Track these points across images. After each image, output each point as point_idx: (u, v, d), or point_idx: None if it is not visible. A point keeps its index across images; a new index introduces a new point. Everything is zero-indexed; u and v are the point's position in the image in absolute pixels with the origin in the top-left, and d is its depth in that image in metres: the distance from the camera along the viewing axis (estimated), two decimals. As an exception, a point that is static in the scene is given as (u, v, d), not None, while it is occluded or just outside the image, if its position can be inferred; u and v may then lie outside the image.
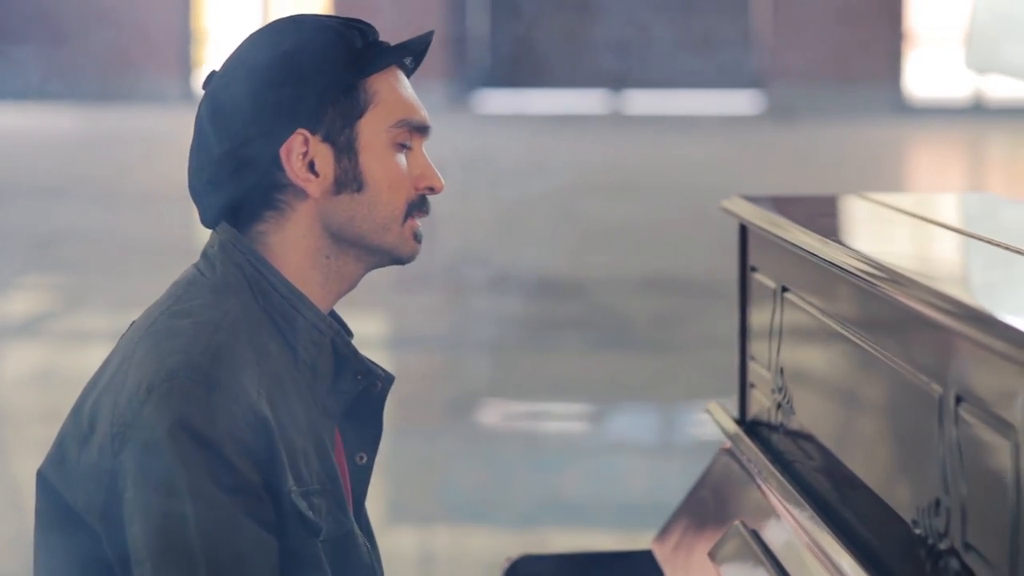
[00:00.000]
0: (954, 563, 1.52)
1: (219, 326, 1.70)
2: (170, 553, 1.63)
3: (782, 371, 2.07)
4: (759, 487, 2.01)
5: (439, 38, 17.00)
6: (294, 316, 1.76)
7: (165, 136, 14.74)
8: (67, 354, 6.83)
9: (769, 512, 1.94)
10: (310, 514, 1.70)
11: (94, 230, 10.24)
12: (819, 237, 1.90)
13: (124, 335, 1.77)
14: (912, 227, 2.12)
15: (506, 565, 2.28)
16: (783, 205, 2.23)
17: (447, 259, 9.03)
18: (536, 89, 18.38)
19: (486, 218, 10.52)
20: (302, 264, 1.78)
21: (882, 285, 1.68)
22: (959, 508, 1.51)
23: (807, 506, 1.85)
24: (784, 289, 2.07)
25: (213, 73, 1.81)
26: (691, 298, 8.14)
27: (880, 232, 2.14)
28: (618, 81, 18.32)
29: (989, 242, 1.91)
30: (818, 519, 1.81)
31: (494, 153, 13.94)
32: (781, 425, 2.07)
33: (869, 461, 1.76)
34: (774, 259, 2.12)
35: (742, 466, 2.10)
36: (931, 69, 17.96)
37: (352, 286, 1.82)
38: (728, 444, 2.19)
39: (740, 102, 18.08)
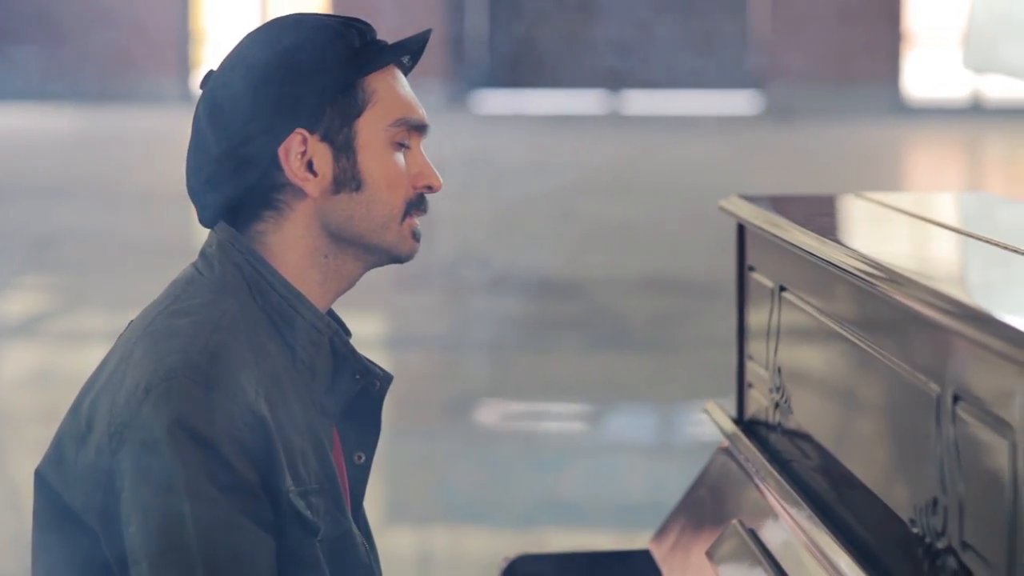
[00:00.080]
0: (952, 562, 1.52)
1: (217, 325, 1.70)
2: (168, 552, 1.63)
3: (780, 370, 2.07)
4: (757, 486, 2.01)
5: (438, 38, 17.01)
6: (292, 316, 1.76)
7: (164, 136, 14.73)
8: (65, 354, 6.83)
9: (767, 511, 1.94)
10: (308, 514, 1.70)
11: (93, 230, 10.24)
12: (817, 236, 1.90)
13: (122, 335, 1.77)
14: (910, 226, 2.12)
15: (503, 565, 2.28)
16: (781, 205, 2.23)
17: (446, 259, 9.03)
18: (535, 89, 18.38)
19: (485, 218, 10.52)
20: (301, 263, 1.78)
21: (880, 284, 1.68)
22: (957, 507, 1.51)
23: (805, 505, 1.85)
24: (782, 288, 2.07)
25: (211, 72, 1.81)
26: (690, 298, 8.14)
27: (878, 231, 2.14)
28: (617, 81, 18.32)
29: (987, 241, 1.91)
30: (816, 518, 1.81)
31: (493, 153, 13.94)
32: (779, 424, 2.07)
33: (867, 460, 1.76)
34: (772, 258, 2.12)
35: (740, 466, 2.10)
36: (930, 69, 17.96)
37: (351, 285, 1.82)
38: (726, 443, 2.19)
39: (739, 102, 18.09)
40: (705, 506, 2.16)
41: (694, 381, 6.30)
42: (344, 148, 1.77)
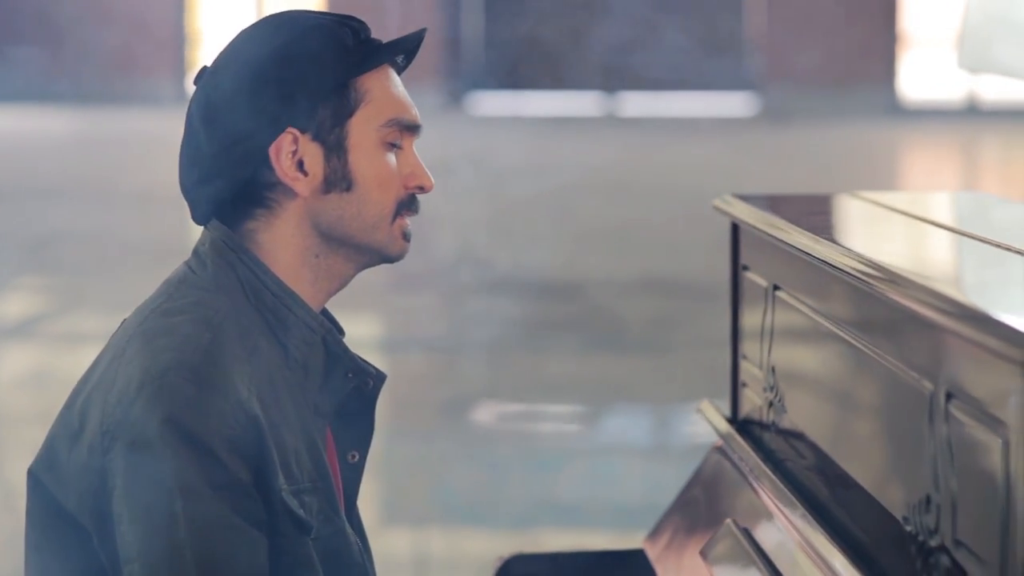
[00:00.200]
0: (944, 560, 1.52)
1: (210, 324, 1.70)
2: (160, 551, 1.63)
3: (774, 370, 2.07)
4: (751, 485, 2.01)
5: (435, 39, 17.01)
6: (285, 314, 1.76)
7: (160, 137, 14.70)
8: (63, 355, 6.83)
9: (760, 510, 1.94)
10: (301, 512, 1.70)
11: (90, 231, 10.23)
12: (810, 235, 1.90)
13: (115, 333, 1.77)
14: (904, 225, 2.12)
15: (498, 564, 2.28)
16: (775, 204, 2.23)
17: (443, 260, 9.03)
18: (532, 91, 18.38)
19: (482, 219, 10.52)
20: (292, 262, 1.78)
21: (873, 283, 1.68)
22: (949, 505, 1.51)
23: (798, 504, 1.85)
24: (776, 288, 2.07)
25: (205, 69, 1.81)
26: (687, 299, 8.14)
27: (871, 230, 2.15)
28: (614, 83, 18.32)
29: (981, 240, 1.91)
30: (809, 517, 1.81)
31: (490, 155, 13.94)
32: (773, 424, 2.07)
33: (860, 458, 1.76)
34: (766, 258, 2.12)
35: (734, 465, 2.10)
36: (926, 71, 17.97)
37: (343, 285, 1.82)
38: (720, 443, 2.19)
39: (736, 104, 18.09)
40: (699, 505, 2.16)
41: (691, 382, 6.30)
42: (335, 148, 1.77)
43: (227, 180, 1.76)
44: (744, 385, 2.22)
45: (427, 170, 1.82)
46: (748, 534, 1.93)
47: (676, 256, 9.33)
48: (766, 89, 18.06)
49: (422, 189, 1.81)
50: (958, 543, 1.50)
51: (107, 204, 11.47)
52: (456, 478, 5.24)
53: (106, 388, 1.69)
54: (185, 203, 1.82)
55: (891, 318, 1.66)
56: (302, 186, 1.76)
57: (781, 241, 1.98)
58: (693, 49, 18.32)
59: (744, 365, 2.21)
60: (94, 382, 1.72)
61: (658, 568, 2.16)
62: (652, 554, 2.20)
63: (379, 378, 1.82)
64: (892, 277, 1.65)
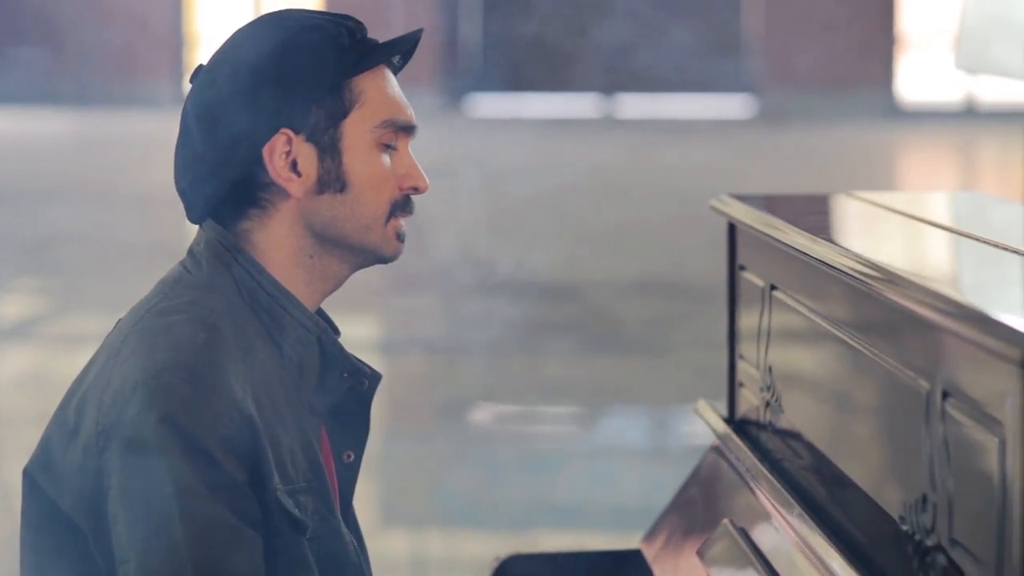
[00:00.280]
0: (941, 559, 1.52)
1: (205, 324, 1.70)
2: (156, 551, 1.63)
3: (770, 369, 2.07)
4: (747, 485, 2.01)
5: (433, 42, 17.00)
6: (280, 314, 1.75)
7: (158, 139, 14.69)
8: (60, 357, 6.83)
9: (757, 510, 1.94)
10: (296, 512, 1.70)
11: (87, 233, 10.23)
12: (807, 235, 1.90)
13: (110, 333, 1.77)
14: (900, 225, 2.12)
15: (495, 564, 2.28)
16: (771, 204, 2.23)
17: (442, 262, 9.03)
18: (530, 93, 18.38)
19: (480, 221, 10.52)
20: (286, 263, 1.77)
21: (869, 282, 1.68)
22: (946, 504, 1.51)
23: (795, 504, 1.85)
24: (772, 287, 2.07)
25: (200, 68, 1.81)
26: (685, 301, 8.14)
27: (868, 230, 2.15)
28: (612, 85, 18.32)
29: (977, 240, 1.91)
30: (806, 516, 1.81)
31: (488, 156, 13.94)
32: (770, 423, 2.07)
33: (857, 458, 1.76)
34: (763, 257, 2.12)
35: (730, 465, 2.10)
36: (923, 73, 17.98)
37: (338, 285, 1.82)
38: (717, 443, 2.19)
39: (733, 106, 18.09)
40: (696, 505, 2.16)
41: (689, 383, 6.30)
42: (329, 149, 1.76)
43: (221, 180, 1.75)
44: (741, 385, 2.22)
45: (422, 171, 1.81)
46: (745, 534, 1.92)
47: (674, 258, 9.34)
48: (764, 91, 18.06)
49: (416, 190, 1.80)
50: (954, 542, 1.50)
51: (106, 205, 11.47)
52: (454, 479, 5.24)
53: (101, 388, 1.69)
54: (182, 205, 1.82)
55: (888, 318, 1.66)
56: (295, 187, 1.76)
57: (778, 241, 1.98)
58: (691, 51, 18.32)
59: (741, 365, 2.21)
60: (89, 382, 1.72)
61: (655, 568, 2.16)
62: (649, 554, 2.20)
63: (374, 378, 1.82)
64: (889, 277, 1.65)
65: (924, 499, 1.55)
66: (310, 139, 1.76)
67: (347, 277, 1.82)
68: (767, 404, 2.08)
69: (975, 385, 1.46)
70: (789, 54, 17.91)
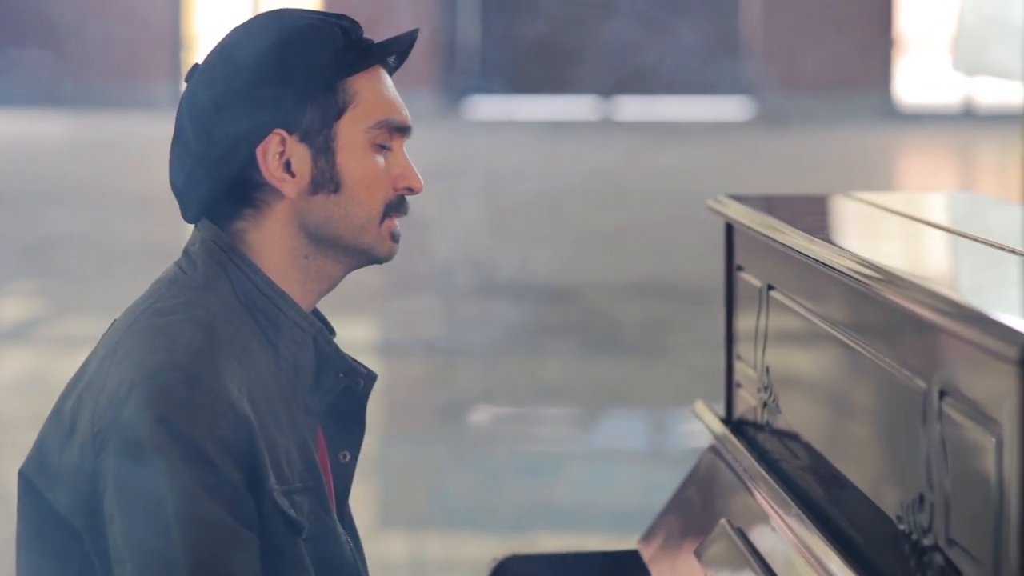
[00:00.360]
0: (938, 559, 1.52)
1: (200, 324, 1.69)
2: (153, 552, 1.62)
3: (768, 370, 2.07)
4: (745, 486, 2.01)
5: (431, 45, 17.00)
6: (276, 314, 1.75)
7: (157, 141, 14.63)
8: (58, 359, 6.83)
9: (755, 510, 1.94)
10: (292, 513, 1.69)
11: (86, 235, 10.23)
12: (804, 235, 1.90)
13: (105, 333, 1.76)
14: (897, 225, 2.12)
15: (493, 565, 2.28)
16: (769, 204, 2.23)
17: (440, 264, 9.03)
18: (528, 95, 18.38)
19: (478, 223, 10.52)
20: (281, 263, 1.77)
21: (866, 282, 1.68)
22: (943, 504, 1.51)
23: (792, 504, 1.85)
24: (770, 288, 2.07)
25: (196, 67, 1.81)
26: (682, 303, 8.15)
27: (865, 230, 2.15)
28: (609, 87, 18.32)
29: (973, 239, 1.91)
30: (803, 517, 1.81)
31: (486, 159, 13.94)
32: (767, 424, 2.07)
33: (854, 458, 1.76)
34: (760, 258, 2.12)
35: (728, 465, 2.10)
36: (921, 75, 17.98)
37: (333, 286, 1.81)
38: (714, 443, 2.19)
39: (732, 108, 18.10)
40: (693, 506, 2.16)
41: (687, 385, 6.30)
42: (323, 149, 1.76)
43: (215, 180, 1.75)
44: (738, 386, 2.22)
45: (417, 171, 1.81)
46: (742, 534, 1.92)
47: (673, 260, 9.34)
48: (763, 93, 18.07)
49: (411, 191, 1.80)
50: (951, 542, 1.50)
51: (105, 207, 11.47)
52: (452, 481, 5.24)
53: (97, 389, 1.68)
54: (180, 207, 1.82)
55: (885, 317, 1.66)
56: (289, 187, 1.76)
57: (775, 241, 1.98)
58: (690, 53, 18.32)
59: (738, 366, 2.21)
60: (85, 383, 1.71)
61: (652, 569, 2.16)
62: (646, 555, 2.20)
63: (370, 378, 1.81)
64: (886, 276, 1.65)
65: (921, 499, 1.55)
66: (304, 139, 1.75)
67: (342, 277, 1.82)
68: (764, 404, 2.08)
69: (972, 385, 1.45)
70: (788, 56, 17.92)
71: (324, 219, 1.76)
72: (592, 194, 11.89)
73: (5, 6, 18.46)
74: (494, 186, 12.12)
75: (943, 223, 2.13)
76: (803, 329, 1.93)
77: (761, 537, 1.89)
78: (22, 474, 1.74)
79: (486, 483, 5.19)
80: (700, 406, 2.30)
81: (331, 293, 1.85)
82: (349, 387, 1.80)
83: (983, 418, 1.43)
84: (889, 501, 1.64)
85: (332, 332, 1.81)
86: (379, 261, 1.80)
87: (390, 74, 1.82)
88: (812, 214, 2.23)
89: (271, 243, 1.77)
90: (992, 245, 1.85)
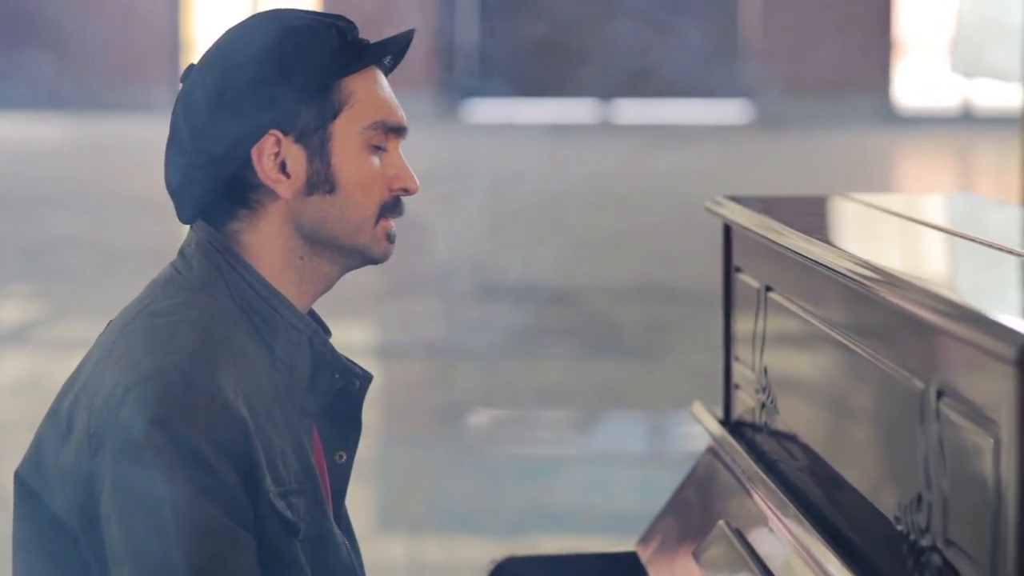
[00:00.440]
0: (936, 559, 1.52)
1: (195, 325, 1.69)
2: (150, 554, 1.62)
3: (766, 371, 2.07)
4: (743, 487, 2.00)
5: (430, 47, 17.01)
6: (271, 315, 1.75)
7: (156, 144, 14.60)
8: (57, 362, 6.82)
9: (753, 512, 1.94)
10: (288, 514, 1.69)
11: (85, 238, 10.23)
12: (802, 236, 1.90)
13: (101, 334, 1.76)
14: (894, 226, 2.12)
15: (491, 567, 2.28)
16: (767, 205, 2.23)
17: (438, 266, 9.03)
18: (526, 99, 18.39)
19: (477, 226, 10.52)
20: (277, 264, 1.77)
21: (864, 283, 1.68)
22: (941, 504, 1.51)
23: (791, 505, 1.85)
24: (768, 289, 2.07)
25: (191, 67, 1.80)
26: (682, 306, 8.15)
27: (863, 231, 2.15)
28: (608, 90, 18.33)
29: (971, 240, 1.91)
30: (801, 518, 1.81)
31: (484, 162, 13.94)
32: (765, 425, 2.07)
33: (852, 458, 1.76)
34: (758, 259, 2.12)
35: (726, 466, 2.09)
36: (920, 78, 17.99)
37: (329, 287, 1.81)
38: (712, 444, 2.19)
39: (729, 111, 18.10)
40: (692, 507, 2.16)
41: (686, 388, 6.30)
42: (318, 150, 1.76)
43: (210, 180, 1.75)
44: (737, 387, 2.21)
45: (412, 172, 1.81)
46: (740, 535, 1.92)
47: (672, 262, 9.34)
48: (762, 96, 18.07)
49: (407, 191, 1.80)
50: (949, 542, 1.50)
51: (102, 210, 11.47)
52: (451, 484, 5.24)
53: (93, 390, 1.68)
54: (178, 210, 1.81)
55: (883, 318, 1.66)
56: (284, 188, 1.75)
57: (773, 242, 1.98)
58: (690, 56, 18.33)
59: (736, 367, 2.21)
60: (81, 384, 1.71)
61: (650, 570, 2.16)
62: (644, 556, 2.20)
63: (365, 378, 1.81)
64: (884, 277, 1.65)
65: (919, 499, 1.55)
66: (299, 140, 1.75)
67: (338, 278, 1.81)
68: (763, 406, 2.08)
69: (970, 385, 1.45)
70: (787, 59, 17.92)
71: (319, 220, 1.76)
72: (592, 197, 11.90)
73: (5, 9, 18.47)
74: (493, 188, 12.12)
75: (941, 224, 2.13)
76: (801, 330, 1.93)
77: (759, 538, 1.89)
78: (18, 476, 1.74)
79: (485, 486, 5.18)
80: (698, 407, 2.30)
81: (331, 295, 1.85)
82: (345, 388, 1.80)
83: (981, 418, 1.43)
84: (887, 502, 1.64)
85: (328, 333, 1.81)
86: (375, 262, 1.80)
87: (386, 75, 1.82)
88: (810, 215, 2.23)
89: (266, 244, 1.77)
90: (990, 246, 1.85)
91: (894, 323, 1.63)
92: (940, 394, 1.51)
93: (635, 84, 18.27)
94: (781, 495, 1.89)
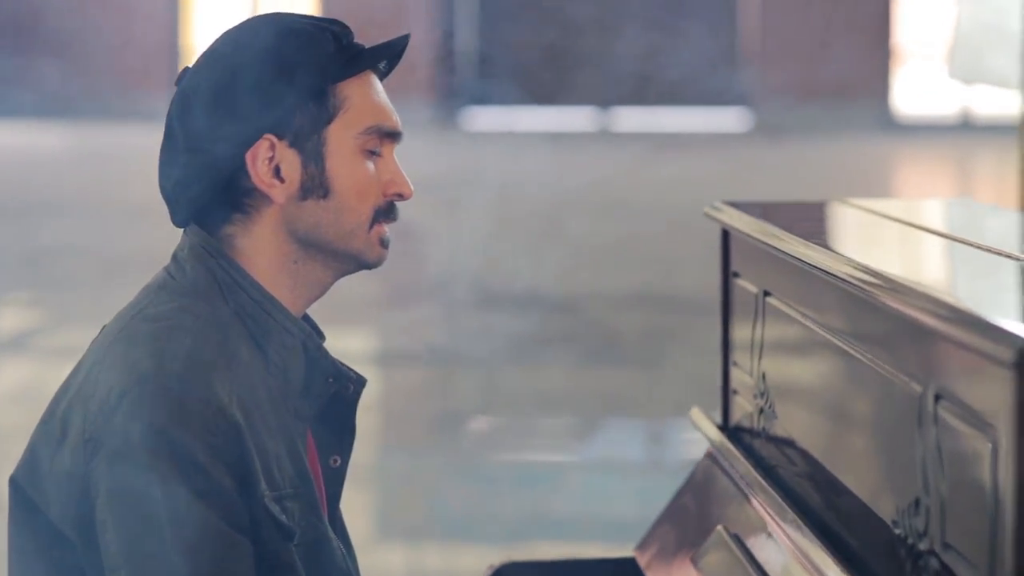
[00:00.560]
0: (934, 563, 1.52)
1: (189, 330, 1.69)
2: (145, 560, 1.62)
3: (764, 376, 2.06)
4: (741, 492, 2.00)
5: (429, 55, 17.02)
6: (265, 319, 1.74)
7: (154, 153, 14.62)
8: (56, 369, 6.82)
9: (751, 516, 1.94)
10: (283, 518, 1.69)
11: (85, 245, 10.23)
12: (800, 241, 1.90)
13: (95, 339, 1.76)
14: (892, 230, 2.12)
15: (489, 572, 2.27)
16: (765, 210, 2.23)
17: (437, 275, 9.03)
18: (525, 107, 18.40)
19: (476, 234, 10.52)
20: (270, 268, 1.76)
21: (862, 287, 1.68)
22: (939, 508, 1.50)
23: (788, 509, 1.85)
24: (766, 294, 2.07)
25: (186, 70, 1.80)
26: (681, 313, 8.15)
27: (860, 236, 2.15)
28: (608, 98, 18.34)
29: (968, 244, 1.91)
30: (800, 522, 1.81)
31: (484, 170, 13.95)
32: (763, 430, 2.07)
33: (850, 462, 1.76)
34: (756, 264, 2.11)
35: (724, 471, 2.09)
36: (919, 86, 18.00)
37: (323, 292, 1.81)
38: (711, 450, 2.19)
39: (729, 119, 18.11)
40: (690, 512, 2.16)
41: (685, 395, 6.29)
42: (313, 155, 1.75)
43: (204, 184, 1.74)
44: (735, 392, 2.21)
45: (407, 177, 1.81)
46: (739, 540, 1.92)
47: (671, 270, 9.34)
48: (761, 104, 18.08)
49: (401, 196, 1.80)
50: (947, 546, 1.49)
51: (101, 218, 11.47)
52: (450, 491, 5.23)
53: (87, 395, 1.68)
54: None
55: (880, 322, 1.66)
56: (278, 193, 1.75)
57: (772, 247, 1.98)
58: (688, 64, 18.34)
59: (735, 372, 2.21)
60: (75, 389, 1.71)
61: (649, 575, 2.16)
62: (643, 562, 2.19)
63: (359, 383, 1.81)
64: (882, 281, 1.64)
65: (917, 503, 1.55)
66: (294, 145, 1.75)
67: (332, 283, 1.81)
68: (761, 411, 2.08)
69: (968, 389, 1.45)
70: (785, 67, 17.94)
71: (313, 225, 1.76)
72: (591, 205, 11.90)
73: (5, 18, 18.48)
74: (493, 196, 12.12)
75: (938, 229, 2.13)
76: (799, 335, 1.93)
77: (757, 543, 1.89)
78: (13, 481, 1.73)
79: (484, 493, 5.18)
80: (696, 413, 2.29)
81: (332, 303, 1.84)
82: (339, 392, 1.79)
83: (979, 422, 1.42)
84: (885, 506, 1.64)
85: (322, 337, 1.81)
86: (369, 267, 1.80)
87: (381, 79, 1.82)
88: (808, 220, 2.23)
89: (260, 248, 1.76)
90: (987, 250, 1.85)
91: (892, 327, 1.62)
92: (938, 398, 1.51)
93: (635, 92, 18.28)
94: (779, 500, 1.88)
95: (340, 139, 1.76)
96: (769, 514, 1.88)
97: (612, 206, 11.89)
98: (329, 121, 1.76)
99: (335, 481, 1.82)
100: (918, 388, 1.55)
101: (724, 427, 2.24)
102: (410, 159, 1.84)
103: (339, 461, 1.82)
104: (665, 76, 18.26)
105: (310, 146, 1.75)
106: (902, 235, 2.08)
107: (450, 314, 8.26)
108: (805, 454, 1.90)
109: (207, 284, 1.74)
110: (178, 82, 1.79)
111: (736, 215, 2.16)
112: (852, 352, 1.73)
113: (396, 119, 1.80)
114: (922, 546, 1.54)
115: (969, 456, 1.44)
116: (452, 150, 14.92)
